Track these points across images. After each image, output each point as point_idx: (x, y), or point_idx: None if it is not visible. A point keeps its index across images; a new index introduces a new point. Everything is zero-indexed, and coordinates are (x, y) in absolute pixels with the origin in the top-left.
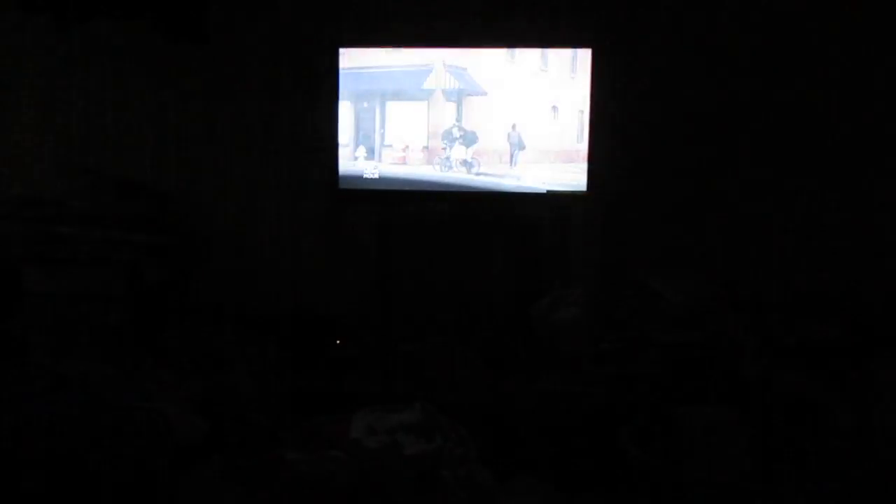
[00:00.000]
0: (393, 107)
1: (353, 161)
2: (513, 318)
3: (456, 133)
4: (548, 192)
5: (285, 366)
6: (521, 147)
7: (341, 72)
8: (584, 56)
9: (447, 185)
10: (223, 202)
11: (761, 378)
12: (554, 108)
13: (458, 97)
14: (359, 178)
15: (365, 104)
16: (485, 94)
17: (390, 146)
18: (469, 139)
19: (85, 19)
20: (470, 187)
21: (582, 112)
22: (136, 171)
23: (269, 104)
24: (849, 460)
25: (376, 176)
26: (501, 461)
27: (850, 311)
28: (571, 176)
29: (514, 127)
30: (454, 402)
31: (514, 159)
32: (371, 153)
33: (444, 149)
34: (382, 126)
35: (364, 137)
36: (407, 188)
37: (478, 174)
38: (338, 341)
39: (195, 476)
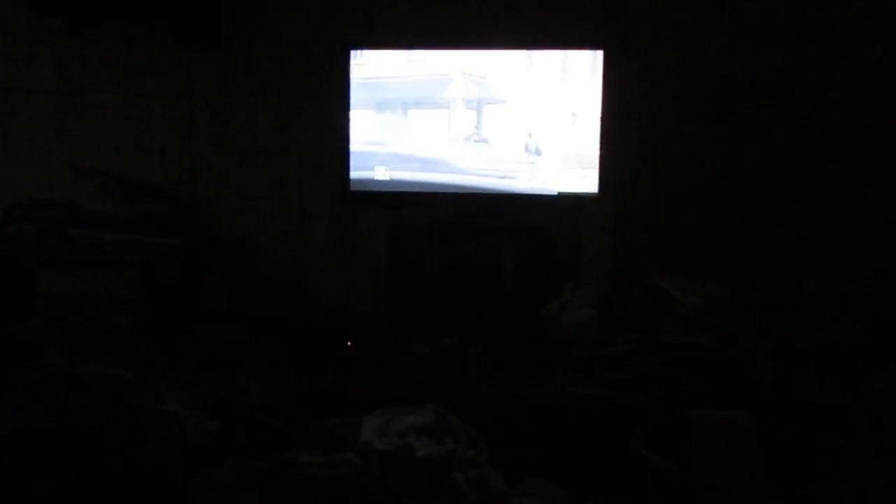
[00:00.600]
0: (415, 115)
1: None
2: (524, 320)
3: (473, 140)
4: (559, 194)
5: (297, 368)
6: (539, 153)
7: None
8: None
9: (458, 186)
10: (235, 204)
11: (774, 380)
12: (573, 114)
13: (478, 105)
14: (369, 181)
15: (388, 112)
16: (504, 101)
17: (412, 152)
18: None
19: (97, 23)
20: (481, 189)
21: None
22: (148, 174)
23: (281, 106)
24: (863, 463)
25: (387, 178)
26: (513, 463)
27: (865, 313)
28: (588, 182)
29: (530, 134)
30: (465, 405)
31: (531, 165)
32: (393, 158)
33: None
34: (405, 132)
35: (386, 143)
36: (417, 190)
37: (500, 177)
38: (349, 343)
39: (207, 478)
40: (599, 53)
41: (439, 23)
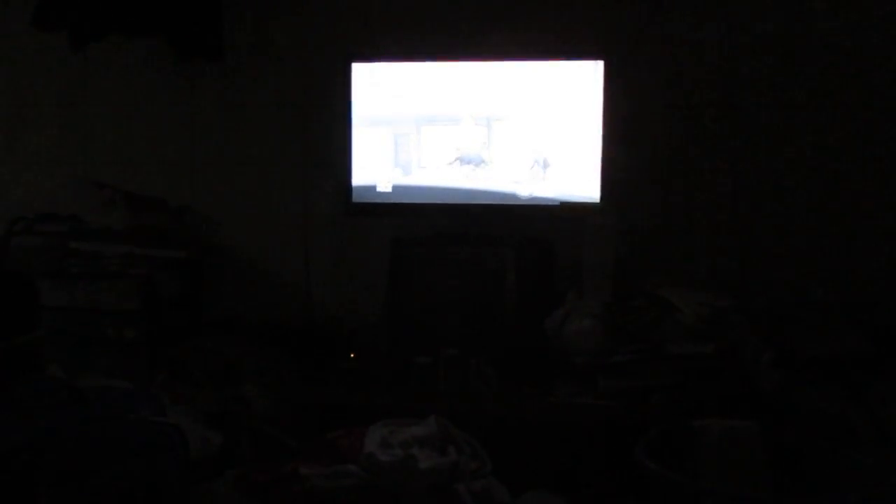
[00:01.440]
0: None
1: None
2: (527, 330)
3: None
4: (561, 204)
5: (299, 379)
6: (546, 166)
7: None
8: None
9: (460, 196)
10: (237, 216)
11: (779, 390)
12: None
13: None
14: (372, 193)
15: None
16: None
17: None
18: (474, 160)
19: (100, 37)
20: (484, 193)
21: None
22: (150, 187)
23: (283, 118)
24: (868, 473)
25: (389, 189)
26: (516, 475)
27: (869, 322)
28: (591, 191)
29: (538, 149)
30: (468, 416)
31: (538, 177)
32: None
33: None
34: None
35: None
36: (419, 201)
37: (504, 188)
38: (352, 354)
39: (209, 490)
40: (600, 64)
41: (440, 35)
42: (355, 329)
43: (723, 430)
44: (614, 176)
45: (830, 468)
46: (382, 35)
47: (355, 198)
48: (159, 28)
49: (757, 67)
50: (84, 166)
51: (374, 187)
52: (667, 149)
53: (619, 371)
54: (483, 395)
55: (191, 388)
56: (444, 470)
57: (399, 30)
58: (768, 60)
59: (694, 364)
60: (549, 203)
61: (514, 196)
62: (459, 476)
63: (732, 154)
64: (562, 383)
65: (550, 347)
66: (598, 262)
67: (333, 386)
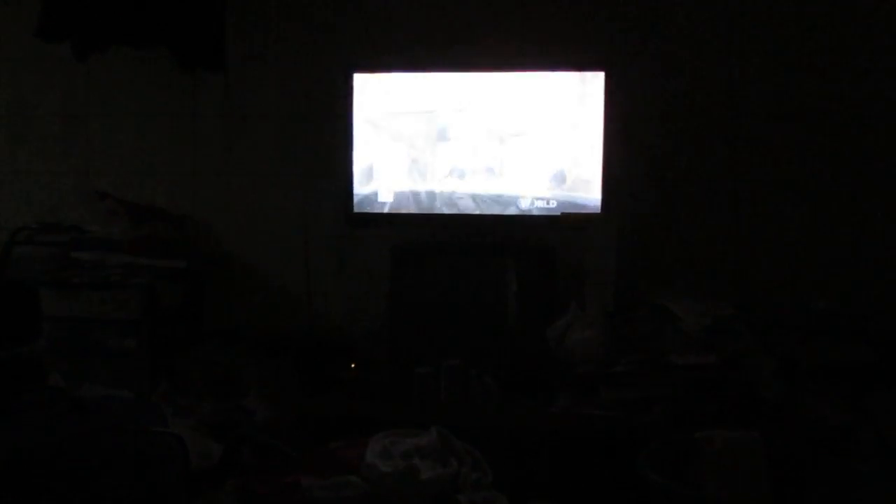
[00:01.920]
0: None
1: None
2: (528, 340)
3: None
4: (562, 214)
5: (300, 390)
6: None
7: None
8: None
9: (462, 203)
10: (238, 226)
11: (781, 400)
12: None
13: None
14: (373, 201)
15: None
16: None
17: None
18: (486, 173)
19: (103, 48)
20: (486, 203)
21: None
22: (152, 197)
23: (285, 129)
24: (871, 483)
25: (390, 199)
26: (518, 485)
27: (872, 331)
28: (593, 201)
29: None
30: (470, 426)
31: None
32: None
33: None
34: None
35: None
36: (420, 211)
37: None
38: (352, 365)
39: (209, 501)
40: (601, 75)
41: (440, 46)
42: (356, 339)
43: (725, 440)
44: (615, 185)
45: (833, 478)
46: (384, 46)
47: (356, 208)
48: (162, 39)
49: (756, 75)
50: (86, 176)
51: (375, 198)
52: (667, 158)
53: (621, 381)
54: (484, 406)
55: (192, 398)
56: (446, 481)
57: (400, 41)
58: (767, 68)
59: (696, 374)
60: (551, 212)
61: (515, 206)
62: (461, 487)
63: (733, 164)
64: (563, 393)
65: (552, 357)
66: (599, 271)
67: (334, 396)
